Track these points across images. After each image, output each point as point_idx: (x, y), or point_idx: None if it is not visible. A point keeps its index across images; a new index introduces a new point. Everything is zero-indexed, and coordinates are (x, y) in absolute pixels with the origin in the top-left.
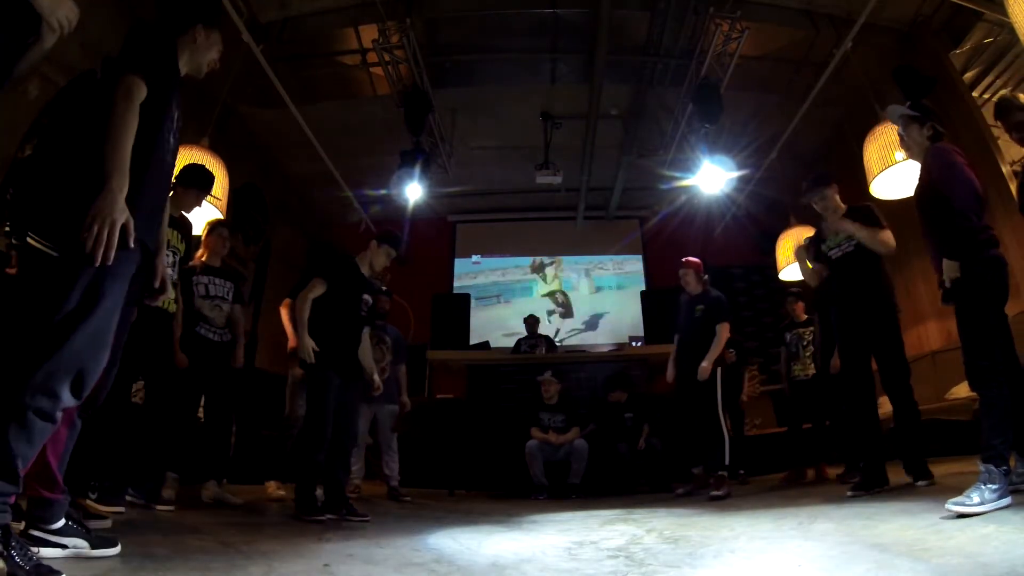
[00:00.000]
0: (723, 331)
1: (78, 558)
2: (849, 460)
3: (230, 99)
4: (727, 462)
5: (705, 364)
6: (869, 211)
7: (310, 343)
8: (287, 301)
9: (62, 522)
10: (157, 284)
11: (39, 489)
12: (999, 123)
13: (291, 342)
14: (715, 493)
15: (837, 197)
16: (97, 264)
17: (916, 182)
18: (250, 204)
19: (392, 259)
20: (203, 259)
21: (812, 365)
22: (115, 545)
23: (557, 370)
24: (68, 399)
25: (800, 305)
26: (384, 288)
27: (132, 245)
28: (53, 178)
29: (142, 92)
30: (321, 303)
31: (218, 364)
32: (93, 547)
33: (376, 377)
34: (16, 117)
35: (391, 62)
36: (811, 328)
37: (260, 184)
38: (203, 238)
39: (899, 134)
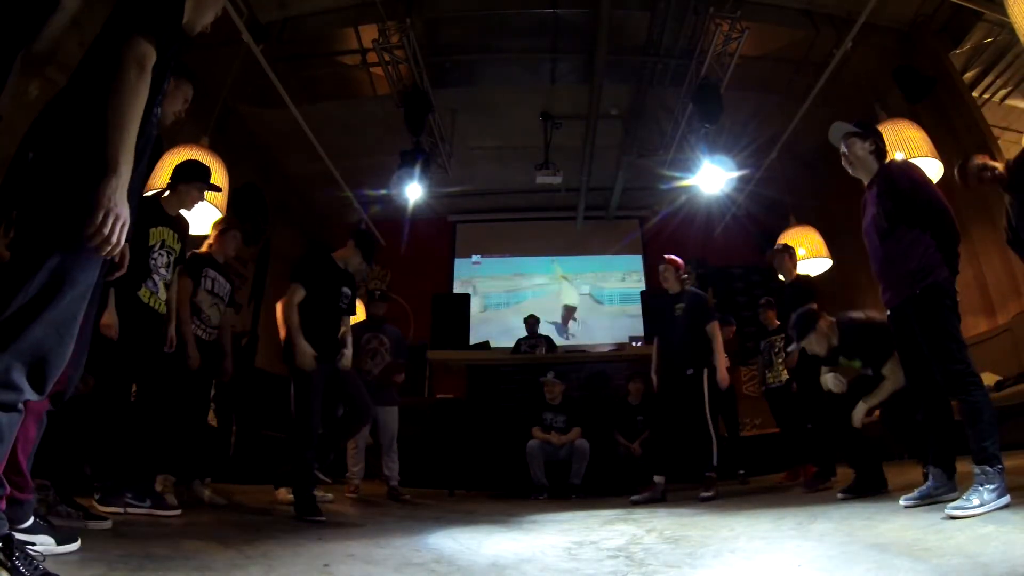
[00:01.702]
0: (715, 331)
1: (81, 559)
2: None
3: (230, 99)
4: (715, 462)
5: (721, 375)
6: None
7: (308, 350)
8: (283, 300)
9: (31, 520)
10: (118, 259)
11: (12, 491)
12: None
13: (282, 334)
14: (704, 495)
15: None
16: (102, 255)
17: (871, 202)
18: (250, 204)
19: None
20: (211, 253)
21: (784, 371)
22: (75, 540)
23: (557, 371)
24: (30, 392)
25: (772, 313)
26: (379, 293)
27: None
28: (52, 163)
29: (153, 58)
30: (303, 304)
31: (205, 363)
32: (59, 543)
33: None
34: (16, 117)
35: (391, 62)
36: (783, 335)
37: (260, 184)
38: (215, 235)
39: (842, 152)
